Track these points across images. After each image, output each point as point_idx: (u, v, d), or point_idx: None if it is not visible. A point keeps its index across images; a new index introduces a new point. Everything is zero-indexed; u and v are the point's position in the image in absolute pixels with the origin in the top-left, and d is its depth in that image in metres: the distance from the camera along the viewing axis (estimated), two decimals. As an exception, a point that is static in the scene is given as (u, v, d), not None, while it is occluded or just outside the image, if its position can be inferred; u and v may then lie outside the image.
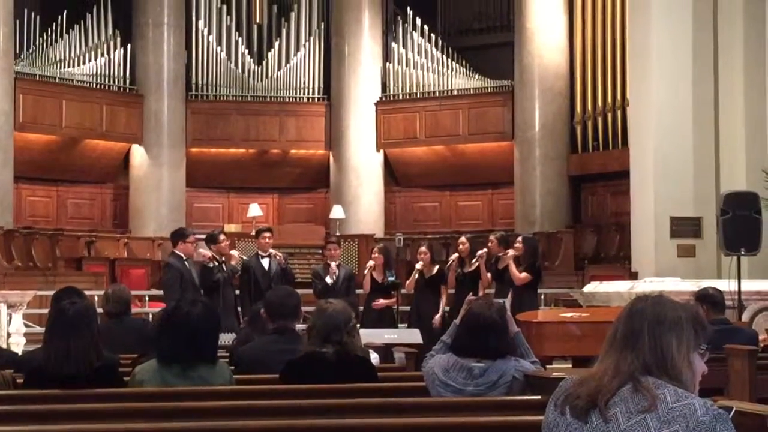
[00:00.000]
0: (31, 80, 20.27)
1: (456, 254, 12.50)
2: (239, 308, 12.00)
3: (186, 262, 11.45)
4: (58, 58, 20.94)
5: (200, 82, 22.37)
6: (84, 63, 21.19)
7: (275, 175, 22.82)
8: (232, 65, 22.57)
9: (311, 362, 5.26)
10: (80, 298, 5.74)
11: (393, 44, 22.51)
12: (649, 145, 15.66)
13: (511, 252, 11.75)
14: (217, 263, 11.67)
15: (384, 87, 22.46)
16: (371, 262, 12.41)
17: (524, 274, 11.63)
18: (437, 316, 12.15)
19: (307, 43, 22.74)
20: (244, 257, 12.54)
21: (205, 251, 11.87)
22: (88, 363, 4.97)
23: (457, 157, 22.23)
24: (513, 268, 11.61)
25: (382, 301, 12.28)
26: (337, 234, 19.03)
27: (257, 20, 22.89)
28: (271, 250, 12.29)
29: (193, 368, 4.92)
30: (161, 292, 12.86)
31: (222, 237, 12.21)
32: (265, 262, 12.19)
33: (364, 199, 21.99)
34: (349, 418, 4.26)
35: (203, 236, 12.48)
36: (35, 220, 20.55)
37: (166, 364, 4.93)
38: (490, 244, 12.20)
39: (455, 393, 5.00)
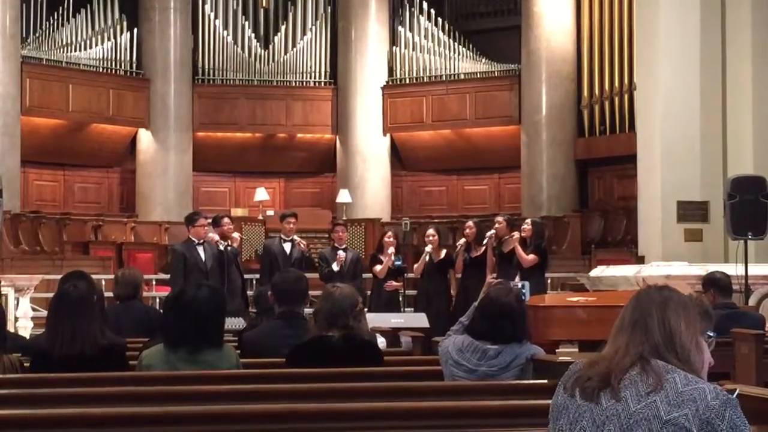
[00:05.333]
0: (37, 64, 20.26)
1: (463, 239, 12.45)
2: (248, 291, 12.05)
3: (199, 246, 11.52)
4: (64, 43, 20.93)
5: (207, 67, 22.35)
6: (90, 47, 21.18)
7: (282, 160, 22.82)
8: (239, 49, 22.55)
9: (317, 346, 5.27)
10: (85, 281, 5.75)
11: (399, 28, 22.47)
12: (656, 129, 15.62)
13: (516, 235, 11.74)
14: (222, 246, 11.74)
15: (390, 71, 22.43)
16: (392, 249, 12.31)
17: (532, 256, 11.63)
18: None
19: (313, 27, 22.71)
20: (244, 237, 12.55)
21: (213, 235, 11.93)
22: (93, 343, 4.99)
23: (463, 142, 22.21)
24: (520, 250, 11.60)
25: (393, 283, 12.29)
26: (344, 218, 19.02)
27: (264, 4, 22.82)
28: (294, 237, 12.33)
29: (199, 352, 4.93)
30: (168, 276, 12.96)
31: (225, 221, 12.24)
32: (287, 246, 12.23)
33: (370, 184, 21.98)
34: (355, 402, 4.26)
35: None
36: (42, 204, 20.56)
37: (173, 348, 4.94)
38: (497, 226, 12.17)
39: (467, 373, 5.01)
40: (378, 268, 12.31)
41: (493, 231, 12.14)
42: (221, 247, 11.61)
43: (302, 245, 12.30)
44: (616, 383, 2.68)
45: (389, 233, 12.70)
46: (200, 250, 11.52)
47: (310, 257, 12.55)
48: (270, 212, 19.16)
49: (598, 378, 2.71)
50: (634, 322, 2.76)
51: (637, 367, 2.68)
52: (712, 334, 2.79)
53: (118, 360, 5.11)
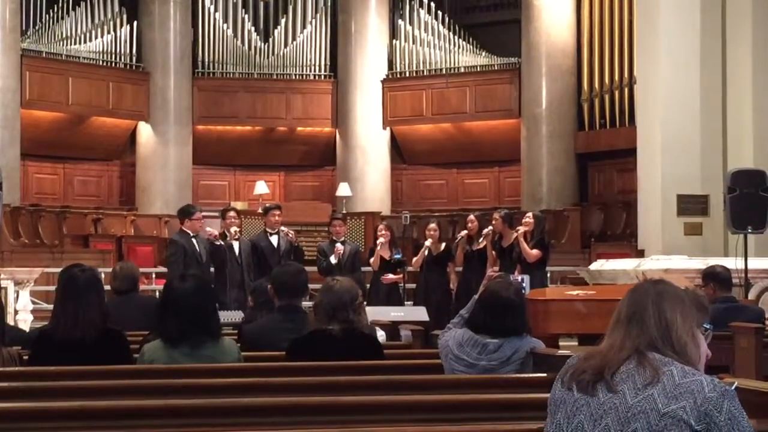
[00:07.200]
0: (37, 57, 20.25)
1: (465, 231, 12.46)
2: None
3: (193, 239, 11.52)
4: (64, 35, 20.91)
5: (206, 60, 22.34)
6: (90, 40, 21.16)
7: (282, 153, 22.81)
8: (239, 42, 22.53)
9: (317, 339, 5.27)
10: (91, 269, 5.77)
11: (399, 21, 22.45)
12: (656, 122, 15.62)
13: (521, 229, 11.72)
14: (223, 240, 11.73)
15: (390, 64, 22.41)
16: (381, 239, 12.38)
17: (536, 251, 11.61)
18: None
19: (313, 21, 22.69)
20: (243, 234, 12.55)
21: (211, 229, 11.91)
22: (94, 328, 5.01)
23: (463, 135, 22.20)
24: (524, 245, 11.58)
25: (391, 276, 12.31)
26: (344, 212, 19.02)
27: (263, -3, 22.83)
28: (282, 228, 12.29)
29: (200, 346, 4.93)
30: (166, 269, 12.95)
31: (231, 214, 12.22)
32: (274, 240, 12.18)
33: (370, 177, 21.97)
34: (354, 396, 4.27)
35: (211, 213, 12.56)
36: (42, 197, 20.56)
37: (171, 343, 4.95)
38: (494, 222, 12.18)
39: (468, 367, 5.01)
40: (371, 259, 12.39)
41: (489, 228, 12.14)
42: (218, 243, 11.61)
43: (290, 235, 12.24)
44: (609, 376, 2.68)
45: (381, 226, 12.81)
46: (195, 243, 11.52)
47: (299, 247, 12.48)
48: (270, 205, 19.14)
49: (593, 371, 2.71)
50: (629, 316, 2.76)
51: (634, 361, 2.69)
52: (708, 326, 2.79)
53: (119, 348, 5.13)
